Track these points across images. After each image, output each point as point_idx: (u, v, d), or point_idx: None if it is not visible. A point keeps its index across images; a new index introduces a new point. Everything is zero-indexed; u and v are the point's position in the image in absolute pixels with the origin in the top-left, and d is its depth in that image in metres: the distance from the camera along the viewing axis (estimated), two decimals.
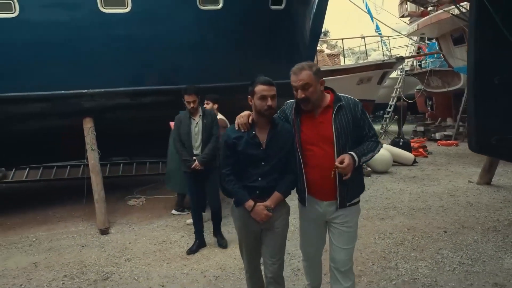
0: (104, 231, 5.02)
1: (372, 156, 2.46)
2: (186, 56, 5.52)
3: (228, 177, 2.52)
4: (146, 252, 4.31)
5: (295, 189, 2.59)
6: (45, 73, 4.92)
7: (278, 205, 2.51)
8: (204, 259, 4.04)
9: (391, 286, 3.31)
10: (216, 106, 5.04)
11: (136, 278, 3.66)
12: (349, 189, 2.45)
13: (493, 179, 7.04)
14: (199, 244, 4.31)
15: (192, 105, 4.11)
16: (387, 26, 11.44)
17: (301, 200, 2.57)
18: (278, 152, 2.46)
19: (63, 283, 3.61)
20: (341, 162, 2.27)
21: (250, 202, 2.45)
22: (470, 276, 3.43)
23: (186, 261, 3.99)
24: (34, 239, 4.90)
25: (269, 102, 2.37)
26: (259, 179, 2.46)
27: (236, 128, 2.49)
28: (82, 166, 9.38)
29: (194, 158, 4.13)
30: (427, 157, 10.39)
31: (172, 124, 4.71)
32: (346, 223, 2.50)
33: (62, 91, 5.08)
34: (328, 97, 2.48)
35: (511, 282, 3.29)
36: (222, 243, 4.34)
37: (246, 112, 2.52)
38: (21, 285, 3.60)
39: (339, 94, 2.50)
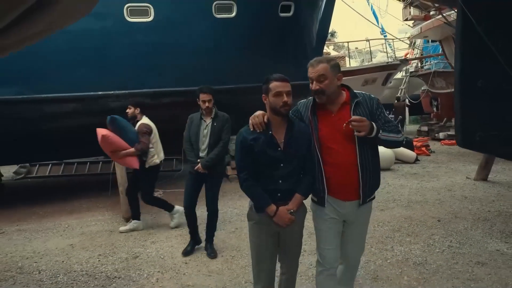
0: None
1: (394, 140, 2.37)
2: (203, 60, 6.03)
3: (246, 181, 2.41)
4: (168, 236, 4.82)
5: None
6: (78, 76, 5.46)
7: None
8: (220, 242, 4.53)
9: (386, 264, 3.77)
10: (138, 110, 4.99)
11: (162, 257, 4.16)
12: (369, 185, 2.41)
13: (490, 176, 7.45)
14: (194, 243, 4.30)
15: (207, 104, 4.00)
16: (389, 33, 11.87)
17: (320, 201, 2.47)
18: (297, 152, 2.38)
19: (99, 260, 4.13)
20: (359, 120, 2.24)
21: (273, 207, 2.36)
22: (456, 257, 3.88)
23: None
24: (66, 226, 5.44)
25: (285, 99, 2.31)
26: (280, 181, 2.37)
27: (251, 129, 2.39)
28: (100, 162, 9.97)
29: (198, 160, 4.06)
30: (429, 155, 10.80)
31: (99, 131, 4.69)
32: (363, 223, 2.55)
33: (92, 93, 5.62)
34: (344, 94, 2.44)
35: (492, 261, 3.74)
36: (212, 254, 4.12)
37: (260, 112, 2.43)
38: (62, 261, 4.12)
39: (355, 91, 2.48)
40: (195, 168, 4.03)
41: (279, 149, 2.36)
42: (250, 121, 2.41)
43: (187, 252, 4.19)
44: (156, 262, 4.02)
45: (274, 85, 2.32)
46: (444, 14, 8.66)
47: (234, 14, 6.16)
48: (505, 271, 3.51)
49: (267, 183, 2.38)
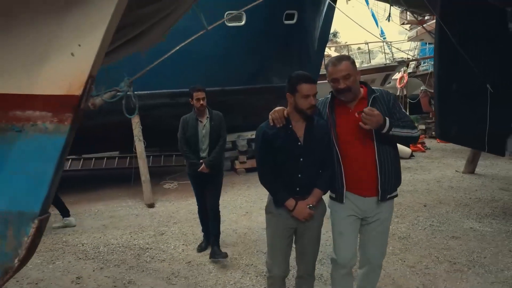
0: (151, 205, 6.27)
1: (408, 135, 2.36)
2: (216, 64, 6.73)
3: (265, 176, 2.46)
4: (188, 219, 5.52)
5: None
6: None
7: (317, 202, 2.44)
8: (233, 223, 5.22)
9: None
10: None
11: (184, 233, 4.87)
12: (389, 181, 2.38)
13: (478, 169, 8.12)
14: (207, 242, 4.28)
15: (201, 102, 3.93)
16: (388, 35, 12.49)
17: (338, 197, 2.45)
18: (316, 146, 2.39)
19: (131, 236, 4.84)
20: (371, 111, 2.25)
21: (292, 201, 2.37)
22: (435, 233, 4.57)
23: (222, 224, 5.18)
24: (96, 211, 6.16)
25: (312, 101, 2.32)
26: (299, 175, 2.39)
27: (271, 124, 2.40)
28: (116, 158, 10.69)
29: (201, 161, 4.03)
30: (424, 151, 11.46)
31: None
32: (384, 222, 2.45)
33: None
34: (362, 90, 2.45)
35: (464, 236, 4.43)
36: (222, 255, 3.93)
37: (280, 107, 2.45)
38: (100, 237, 4.84)
39: (372, 87, 2.50)
40: (199, 169, 4.00)
41: (299, 143, 2.37)
42: (270, 116, 2.43)
43: (202, 248, 4.24)
44: (180, 237, 4.73)
45: (303, 87, 2.29)
46: (425, 25, 9.35)
47: (243, 22, 6.87)
48: (473, 243, 4.20)
49: (287, 177, 2.40)
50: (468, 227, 4.73)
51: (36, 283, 3.58)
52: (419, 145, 11.69)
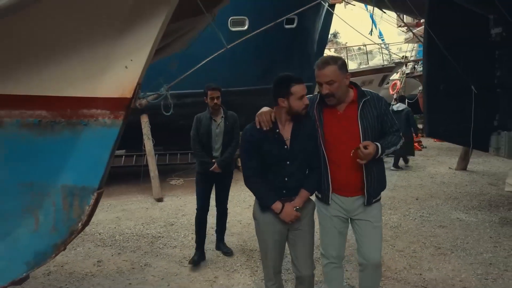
0: (159, 200, 6.66)
1: (394, 150, 2.43)
2: (220, 66, 7.11)
3: (250, 179, 2.40)
4: (195, 213, 5.89)
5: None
6: None
7: (304, 203, 2.42)
8: (238, 214, 5.61)
9: None
10: None
11: (192, 224, 5.16)
12: (375, 186, 2.39)
13: (470, 166, 8.50)
14: (200, 255, 4.02)
15: (215, 101, 3.91)
16: (383, 43, 12.91)
17: (324, 199, 2.46)
18: (303, 149, 2.36)
19: (143, 226, 5.24)
20: (365, 147, 2.22)
21: (278, 204, 2.32)
22: (424, 222, 4.95)
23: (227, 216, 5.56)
24: (108, 205, 6.54)
25: (306, 101, 2.30)
26: (286, 179, 2.35)
27: (258, 126, 2.34)
28: (134, 156, 11.03)
29: (213, 160, 3.98)
30: (421, 150, 11.85)
31: None
32: (373, 217, 2.43)
33: None
34: (352, 92, 2.39)
35: (451, 225, 4.81)
36: (228, 251, 4.16)
37: (266, 109, 2.40)
38: (115, 227, 5.23)
39: (363, 89, 2.46)
40: (211, 169, 3.95)
41: (285, 146, 2.33)
42: (256, 119, 2.37)
43: (195, 262, 3.91)
44: (189, 227, 5.11)
45: (297, 88, 2.25)
46: (414, 30, 9.73)
47: (246, 27, 7.26)
48: (459, 231, 4.59)
49: (273, 181, 2.36)
50: (455, 217, 5.11)
51: (62, 266, 3.96)
52: (416, 144, 12.06)
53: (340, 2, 8.62)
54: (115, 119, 1.60)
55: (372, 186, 2.38)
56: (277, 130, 2.35)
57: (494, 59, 4.79)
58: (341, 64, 2.32)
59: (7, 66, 1.42)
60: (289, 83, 2.26)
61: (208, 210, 4.16)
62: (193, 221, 5.39)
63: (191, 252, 4.24)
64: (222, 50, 2.85)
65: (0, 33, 1.26)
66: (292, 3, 7.97)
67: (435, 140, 14.06)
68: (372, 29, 15.11)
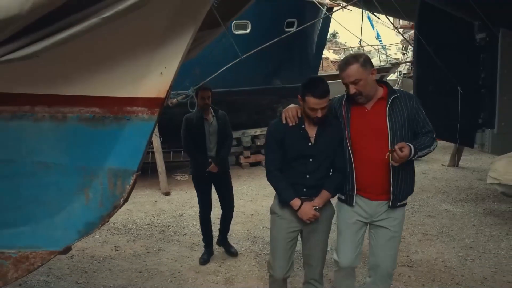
0: (167, 193, 7.05)
1: (428, 153, 2.33)
2: (220, 64, 7.51)
3: (272, 173, 2.41)
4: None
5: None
6: None
7: (324, 205, 2.39)
8: (241, 207, 6.00)
9: None
10: None
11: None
12: (401, 187, 2.29)
13: (462, 163, 8.90)
14: (209, 252, 4.16)
15: (206, 100, 3.91)
16: (379, 45, 13.31)
17: (348, 200, 2.39)
18: (327, 148, 2.35)
19: (153, 217, 5.63)
20: (401, 149, 2.10)
21: (297, 201, 2.32)
22: (415, 213, 5.36)
23: None
24: None
25: (319, 114, 2.26)
26: (307, 176, 2.35)
27: (284, 122, 2.37)
28: (150, 152, 11.39)
29: (209, 160, 3.96)
30: None
31: None
32: (394, 227, 2.36)
33: None
34: (381, 89, 2.33)
35: (439, 215, 5.22)
36: (233, 251, 4.17)
37: (293, 106, 2.42)
38: (127, 218, 5.62)
39: (394, 87, 2.40)
40: (209, 168, 3.92)
41: (309, 143, 2.34)
42: (283, 114, 2.40)
43: (205, 260, 4.02)
44: (197, 218, 5.41)
45: (310, 101, 2.24)
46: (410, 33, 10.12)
47: (248, 30, 7.65)
48: (445, 220, 4.99)
49: (294, 177, 2.37)
50: (443, 208, 5.52)
51: (83, 250, 4.36)
52: None
53: (337, 6, 8.99)
54: (151, 115, 1.99)
55: (398, 188, 2.28)
56: (303, 126, 2.36)
57: (478, 62, 5.18)
58: (364, 60, 2.24)
59: (73, 73, 1.81)
60: (307, 91, 2.25)
61: (211, 210, 4.21)
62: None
63: (200, 238, 4.62)
64: (237, 60, 3.17)
65: (73, 49, 1.66)
66: (292, 8, 8.41)
67: None
68: (376, 31, 15.56)
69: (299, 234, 2.50)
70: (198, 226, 5.14)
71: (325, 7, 8.64)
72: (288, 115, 2.38)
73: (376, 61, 14.37)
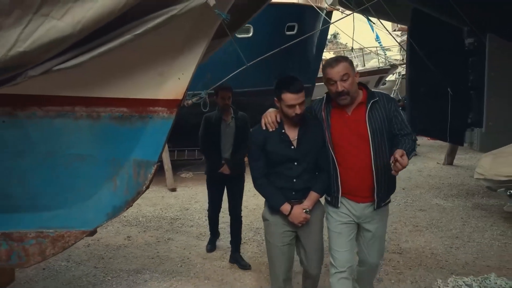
0: (173, 189, 7.40)
1: (412, 156, 2.43)
2: (228, 70, 7.86)
3: (259, 180, 2.41)
4: (206, 200, 6.60)
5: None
6: None
7: (314, 206, 2.42)
8: (244, 201, 6.31)
9: None
10: None
11: (205, 209, 5.94)
12: (385, 190, 2.35)
13: (457, 162, 9.23)
14: (214, 238, 4.40)
15: (226, 101, 3.89)
16: (379, 47, 13.68)
17: (333, 201, 2.42)
18: (311, 150, 2.35)
19: (161, 211, 5.98)
20: (401, 157, 2.07)
21: (287, 206, 2.32)
22: (407, 207, 5.69)
23: None
24: None
25: (298, 111, 2.27)
26: (294, 180, 2.35)
27: (264, 128, 2.38)
28: None
29: (223, 162, 3.90)
30: None
31: None
32: (379, 228, 2.44)
33: None
34: (361, 93, 2.36)
35: (430, 209, 5.55)
36: (243, 264, 3.85)
37: (272, 110, 2.43)
38: (137, 211, 5.95)
39: (372, 90, 2.42)
40: (220, 170, 3.87)
41: (292, 147, 2.34)
42: (262, 120, 2.41)
43: (211, 248, 4.22)
44: (202, 212, 5.85)
45: (287, 97, 2.25)
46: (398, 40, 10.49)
47: (251, 34, 8.00)
48: (435, 213, 5.33)
49: (281, 182, 2.37)
50: (435, 203, 5.85)
51: (98, 240, 4.70)
52: None
53: (336, 10, 9.34)
54: (170, 114, 2.33)
55: (382, 190, 2.34)
56: (283, 131, 2.37)
57: (467, 65, 5.52)
58: (351, 61, 2.35)
59: (106, 79, 2.16)
60: (281, 89, 2.28)
61: (219, 210, 4.23)
62: (205, 206, 6.13)
63: (206, 230, 4.97)
64: (243, 67, 3.47)
65: (106, 58, 2.00)
66: (292, 12, 8.76)
67: (429, 138, 14.81)
68: (375, 33, 15.90)
69: (295, 237, 2.50)
70: (204, 218, 5.50)
71: (324, 11, 8.97)
72: (267, 120, 2.39)
73: (375, 62, 14.71)
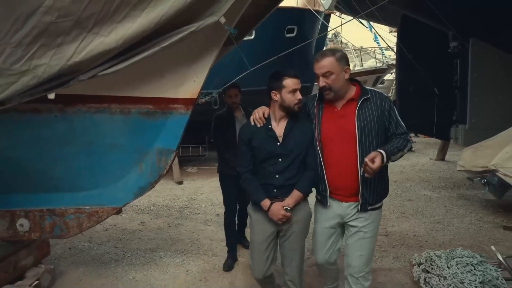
0: (180, 182, 7.90)
1: (401, 156, 2.26)
2: (231, 71, 8.35)
3: (244, 176, 2.46)
4: (211, 191, 7.12)
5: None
6: None
7: (298, 205, 2.39)
8: None
9: None
10: None
11: (210, 199, 6.48)
12: (372, 191, 2.25)
13: (449, 157, 9.69)
14: (233, 258, 3.95)
15: (234, 99, 3.98)
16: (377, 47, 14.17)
17: (322, 200, 2.39)
18: (296, 147, 2.35)
19: (170, 201, 6.48)
20: (372, 161, 2.06)
21: (266, 202, 2.33)
22: (397, 197, 6.18)
23: None
24: None
25: (299, 96, 2.29)
26: (277, 176, 2.36)
27: (252, 124, 2.43)
28: None
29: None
30: None
31: None
32: (364, 227, 2.31)
33: None
34: (353, 89, 2.31)
35: (417, 199, 6.03)
36: (247, 245, 3.97)
37: (261, 107, 2.49)
38: (148, 201, 6.45)
39: (367, 87, 2.35)
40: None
41: (278, 143, 2.36)
42: (251, 116, 2.47)
43: (229, 267, 3.82)
44: (208, 202, 6.35)
45: (290, 82, 2.28)
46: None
47: (253, 37, 8.50)
48: (422, 203, 5.82)
49: (264, 177, 2.39)
50: (422, 194, 6.34)
51: (115, 225, 5.21)
52: None
53: (333, 14, 9.83)
54: (187, 110, 2.81)
55: (368, 191, 2.25)
56: (270, 126, 2.40)
57: (452, 67, 6.02)
58: (340, 56, 2.24)
59: (135, 81, 2.64)
60: (283, 75, 2.33)
61: (236, 213, 4.12)
62: (210, 197, 6.67)
63: (212, 217, 5.48)
64: (247, 71, 3.90)
65: (135, 65, 2.49)
66: (292, 16, 9.24)
67: (424, 136, 15.28)
68: (374, 33, 16.35)
69: (276, 235, 2.49)
70: (210, 208, 6.00)
71: (322, 15, 9.44)
72: (255, 116, 2.45)
73: (373, 62, 15.17)
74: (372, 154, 2.10)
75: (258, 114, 2.45)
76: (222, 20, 2.43)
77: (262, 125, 2.42)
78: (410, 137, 12.99)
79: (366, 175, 2.14)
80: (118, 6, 2.11)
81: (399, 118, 2.31)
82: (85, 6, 2.04)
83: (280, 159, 2.37)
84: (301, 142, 2.38)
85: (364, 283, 2.37)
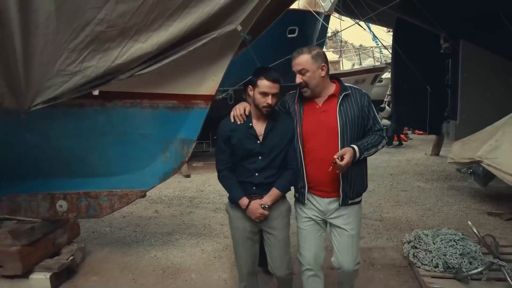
0: (187, 176, 8.33)
1: (375, 152, 2.31)
2: (236, 70, 8.77)
3: (221, 173, 2.43)
4: (219, 183, 7.49)
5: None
6: None
7: (277, 202, 2.38)
8: None
9: None
10: None
11: (218, 190, 6.91)
12: (352, 186, 2.30)
13: (443, 153, 10.11)
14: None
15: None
16: (376, 46, 14.56)
17: (300, 197, 2.41)
18: (276, 145, 2.34)
19: (180, 192, 6.91)
20: (341, 157, 2.13)
21: (244, 200, 2.31)
22: (393, 188, 6.62)
23: None
24: None
25: (269, 101, 2.25)
26: (256, 174, 2.34)
27: (232, 120, 2.38)
28: None
29: None
30: (406, 141, 13.49)
31: None
32: (349, 224, 2.35)
33: None
34: (333, 86, 2.34)
35: (411, 190, 6.47)
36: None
37: (241, 103, 2.46)
38: (159, 192, 6.88)
39: (346, 84, 2.38)
40: None
41: (258, 141, 2.33)
42: (231, 113, 2.42)
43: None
44: (215, 193, 6.78)
45: (263, 83, 2.24)
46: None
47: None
48: (415, 193, 6.26)
49: (243, 175, 2.36)
50: (416, 185, 6.78)
51: (131, 213, 5.64)
52: (402, 136, 13.70)
53: (332, 15, 10.25)
54: (206, 105, 3.22)
55: (349, 186, 2.30)
56: (250, 124, 2.36)
57: (444, 67, 6.45)
58: (316, 53, 2.27)
59: (163, 80, 3.07)
60: (259, 75, 2.29)
61: None
62: (218, 188, 7.08)
63: (220, 205, 5.91)
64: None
65: (166, 65, 2.91)
66: (294, 17, 9.66)
67: (417, 132, 15.70)
68: (372, 33, 16.78)
69: (258, 232, 2.49)
70: (218, 198, 6.43)
71: (322, 16, 9.87)
72: (236, 113, 2.40)
73: (371, 61, 15.60)
74: (342, 150, 2.19)
75: (239, 110, 2.41)
76: (239, 28, 2.86)
77: (242, 122, 2.39)
78: (407, 133, 13.54)
79: (338, 171, 2.21)
80: (155, 18, 2.55)
81: (376, 115, 2.42)
82: (129, 18, 2.47)
83: (260, 157, 2.35)
84: (282, 140, 2.37)
85: (356, 275, 2.52)
